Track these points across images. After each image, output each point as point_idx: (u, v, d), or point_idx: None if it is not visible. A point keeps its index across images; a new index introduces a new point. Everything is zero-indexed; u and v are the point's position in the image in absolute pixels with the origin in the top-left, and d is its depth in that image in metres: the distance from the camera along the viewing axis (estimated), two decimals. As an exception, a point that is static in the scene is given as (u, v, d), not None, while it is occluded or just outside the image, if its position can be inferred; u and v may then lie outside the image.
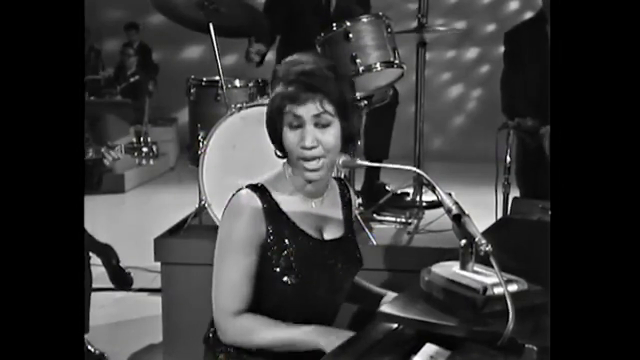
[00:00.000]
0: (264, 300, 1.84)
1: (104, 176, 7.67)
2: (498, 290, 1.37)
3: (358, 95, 3.47)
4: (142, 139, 3.18)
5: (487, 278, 1.42)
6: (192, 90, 3.66)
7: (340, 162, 1.79)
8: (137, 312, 4.15)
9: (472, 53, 11.68)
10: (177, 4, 3.50)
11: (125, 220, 7.19)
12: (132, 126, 8.68)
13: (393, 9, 10.71)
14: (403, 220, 3.79)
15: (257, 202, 1.82)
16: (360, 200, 4.15)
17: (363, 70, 3.26)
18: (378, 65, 3.30)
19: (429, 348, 1.34)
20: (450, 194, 4.17)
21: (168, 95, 8.80)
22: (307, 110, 1.77)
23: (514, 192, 3.35)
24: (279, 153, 1.89)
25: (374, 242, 3.33)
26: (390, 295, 2.05)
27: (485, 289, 1.38)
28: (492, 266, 1.38)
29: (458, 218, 1.47)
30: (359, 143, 3.75)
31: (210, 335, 1.94)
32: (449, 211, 1.50)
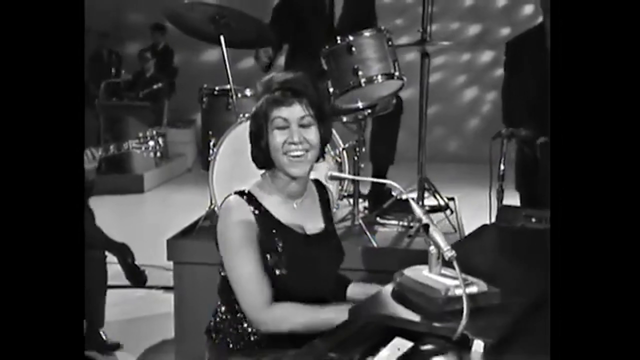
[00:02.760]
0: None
1: (120, 177, 7.92)
2: (459, 292, 1.55)
3: (361, 104, 3.67)
4: (148, 133, 3.35)
5: (451, 280, 1.60)
6: (204, 99, 3.89)
7: (328, 174, 1.99)
8: (152, 309, 4.34)
9: (487, 56, 11.76)
10: (190, 19, 3.72)
11: (144, 220, 7.39)
12: (151, 128, 8.89)
13: (407, 13, 10.88)
14: (405, 223, 3.94)
15: (245, 206, 2.02)
16: (366, 204, 4.34)
17: (365, 82, 3.44)
18: (379, 77, 3.47)
19: (397, 341, 1.53)
20: (453, 199, 4.29)
21: (186, 97, 8.98)
22: (293, 112, 2.01)
23: (509, 199, 3.48)
24: (259, 163, 2.10)
25: (375, 245, 3.51)
26: (355, 284, 2.26)
27: (447, 290, 1.56)
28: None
29: (427, 227, 1.65)
30: (364, 150, 3.95)
31: (211, 324, 2.15)
32: (419, 220, 1.68)
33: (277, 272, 2.00)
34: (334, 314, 1.90)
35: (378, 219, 4.02)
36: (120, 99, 9.16)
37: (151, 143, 3.42)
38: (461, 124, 11.49)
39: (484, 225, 2.57)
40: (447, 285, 1.58)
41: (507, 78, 4.04)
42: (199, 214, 3.84)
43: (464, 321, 1.44)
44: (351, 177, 2.08)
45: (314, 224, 2.16)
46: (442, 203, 4.17)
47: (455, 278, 1.60)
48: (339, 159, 3.48)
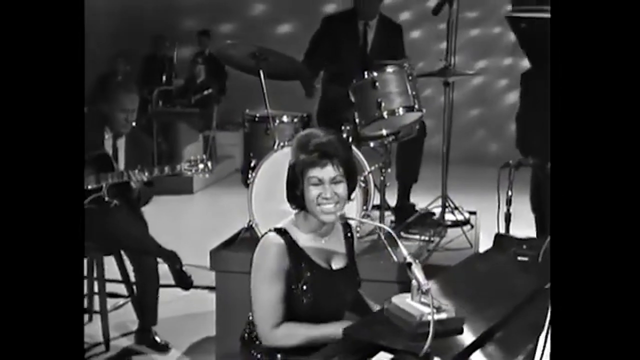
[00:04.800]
0: (288, 314, 2.45)
1: (171, 178, 8.34)
2: (430, 317, 1.97)
3: (385, 132, 4.09)
4: (198, 157, 4.04)
5: (426, 308, 2.03)
6: (246, 124, 4.37)
7: (339, 215, 2.43)
8: (196, 308, 4.77)
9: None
10: (234, 55, 4.28)
11: (192, 220, 7.86)
12: (200, 133, 9.40)
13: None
14: (426, 238, 4.31)
15: (281, 243, 2.43)
16: (393, 218, 4.73)
17: (387, 114, 3.89)
18: (400, 109, 3.92)
19: (381, 354, 1.96)
20: (475, 213, 4.65)
21: (235, 100, 9.30)
22: (326, 172, 2.39)
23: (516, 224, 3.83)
24: (294, 206, 2.50)
25: (395, 259, 3.91)
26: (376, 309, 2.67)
27: (421, 316, 1.99)
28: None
29: (409, 265, 2.08)
30: (389, 170, 4.36)
31: (246, 334, 2.57)
32: (404, 259, 2.10)
33: (303, 300, 2.41)
34: (332, 330, 2.33)
35: (402, 233, 4.40)
36: (173, 106, 9.61)
37: (201, 166, 4.01)
38: (502, 128, 11.74)
39: (473, 255, 2.97)
40: (421, 312, 2.00)
41: (521, 107, 4.38)
42: (244, 216, 4.15)
43: (428, 341, 1.87)
44: (359, 219, 2.55)
45: (338, 260, 2.55)
46: (461, 219, 4.54)
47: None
48: (362, 184, 3.88)
